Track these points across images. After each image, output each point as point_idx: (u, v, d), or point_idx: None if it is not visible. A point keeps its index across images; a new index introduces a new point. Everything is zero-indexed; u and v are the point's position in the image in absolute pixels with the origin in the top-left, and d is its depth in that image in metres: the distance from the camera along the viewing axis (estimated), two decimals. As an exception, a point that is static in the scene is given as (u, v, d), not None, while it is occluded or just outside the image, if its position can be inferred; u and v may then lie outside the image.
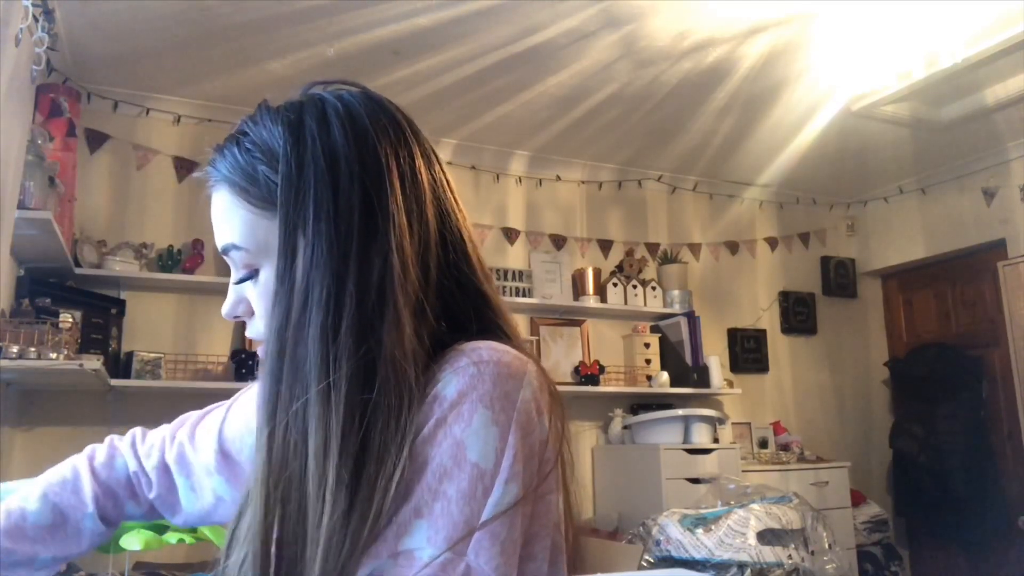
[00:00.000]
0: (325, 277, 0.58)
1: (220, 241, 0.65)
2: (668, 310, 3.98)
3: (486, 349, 0.59)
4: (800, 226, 4.63)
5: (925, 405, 4.26)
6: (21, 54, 2.21)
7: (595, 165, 4.07)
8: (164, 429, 0.88)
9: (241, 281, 0.65)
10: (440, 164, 0.69)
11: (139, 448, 0.87)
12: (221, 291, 3.33)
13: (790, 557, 3.12)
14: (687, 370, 3.87)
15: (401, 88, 3.18)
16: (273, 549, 0.56)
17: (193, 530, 1.10)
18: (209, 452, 0.83)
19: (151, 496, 0.85)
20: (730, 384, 4.02)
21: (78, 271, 2.85)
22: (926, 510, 4.21)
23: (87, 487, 0.81)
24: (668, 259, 4.16)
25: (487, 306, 0.67)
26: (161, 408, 3.05)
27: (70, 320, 2.63)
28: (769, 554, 2.88)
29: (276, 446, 0.57)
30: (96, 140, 3.10)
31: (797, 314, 4.54)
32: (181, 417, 0.89)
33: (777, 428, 4.25)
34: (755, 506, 2.99)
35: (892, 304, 4.79)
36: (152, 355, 2.99)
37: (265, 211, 0.62)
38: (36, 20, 2.28)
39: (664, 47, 2.90)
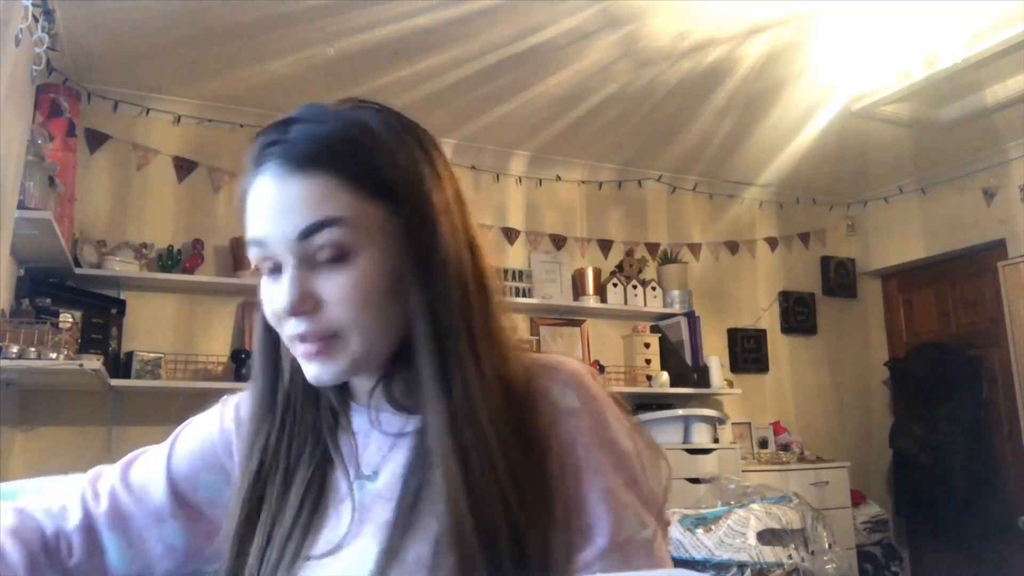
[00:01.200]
0: (446, 255, 0.64)
1: (308, 219, 0.62)
2: (668, 310, 3.98)
3: (562, 361, 0.68)
4: (800, 226, 4.63)
5: (925, 405, 4.26)
6: (21, 54, 2.21)
7: (595, 165, 4.07)
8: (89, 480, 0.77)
9: (316, 267, 0.63)
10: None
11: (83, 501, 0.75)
12: (221, 291, 3.33)
13: (790, 557, 3.12)
14: (687, 370, 3.87)
15: (401, 88, 3.18)
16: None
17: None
18: (157, 496, 0.74)
19: (70, 564, 0.71)
20: (730, 384, 4.02)
21: (78, 271, 2.85)
22: (926, 510, 4.21)
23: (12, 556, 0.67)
24: (668, 259, 4.16)
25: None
26: (161, 408, 3.05)
27: (70, 320, 2.63)
28: (769, 554, 2.88)
29: (448, 419, 0.63)
30: (96, 140, 3.10)
31: (797, 314, 4.54)
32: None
33: (777, 428, 4.25)
34: (755, 506, 2.99)
35: (892, 304, 4.78)
36: (152, 355, 2.99)
37: (374, 200, 0.64)
38: (36, 20, 2.28)
39: (664, 47, 2.90)
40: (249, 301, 3.27)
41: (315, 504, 0.68)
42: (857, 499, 4.11)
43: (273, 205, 0.62)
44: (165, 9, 2.57)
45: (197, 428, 0.80)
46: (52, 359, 2.19)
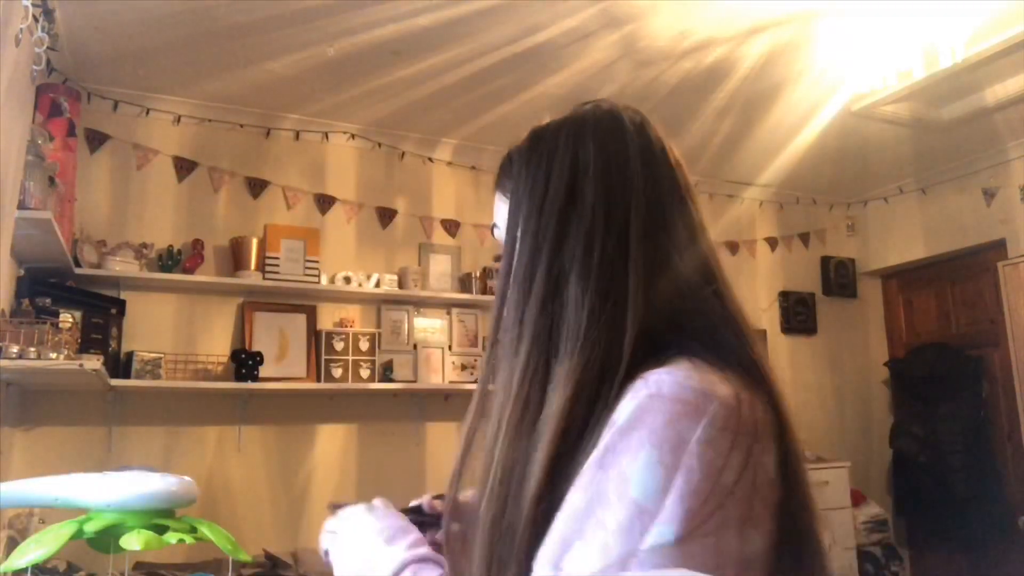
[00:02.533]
0: (528, 252, 0.68)
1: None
2: (668, 310, 3.98)
3: (668, 378, 0.59)
4: (800, 226, 4.63)
5: (925, 405, 4.26)
6: (21, 54, 2.21)
7: (595, 165, 4.06)
8: None
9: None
10: (675, 160, 0.77)
11: None
12: (221, 291, 3.34)
13: (790, 557, 3.12)
14: (687, 370, 3.86)
15: (401, 88, 3.18)
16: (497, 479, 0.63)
17: (193, 530, 1.10)
18: None
19: None
20: (730, 384, 4.01)
21: (78, 271, 2.84)
22: (926, 510, 4.21)
23: None
24: (668, 259, 4.15)
25: (698, 303, 0.68)
26: (161, 408, 3.06)
27: (70, 320, 2.63)
28: (769, 554, 2.88)
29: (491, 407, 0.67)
30: (96, 140, 3.10)
31: (797, 314, 4.54)
32: None
33: (777, 428, 4.25)
34: (755, 506, 2.99)
35: (892, 304, 4.79)
36: (152, 355, 2.99)
37: (507, 199, 0.74)
38: (36, 20, 2.28)
39: (664, 47, 2.90)
40: (249, 301, 3.27)
41: None
42: (857, 499, 4.11)
43: None
44: (165, 9, 2.57)
45: None
46: (52, 359, 2.19)
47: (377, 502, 0.84)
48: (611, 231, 0.67)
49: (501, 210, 0.75)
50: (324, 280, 3.35)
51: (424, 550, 0.73)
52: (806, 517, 0.63)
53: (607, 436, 0.58)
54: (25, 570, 1.06)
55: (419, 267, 3.61)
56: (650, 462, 0.55)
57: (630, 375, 0.61)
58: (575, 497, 0.57)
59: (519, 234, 0.70)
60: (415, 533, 0.77)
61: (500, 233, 0.75)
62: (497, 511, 0.62)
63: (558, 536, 0.57)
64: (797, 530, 0.62)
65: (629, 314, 0.64)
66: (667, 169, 0.75)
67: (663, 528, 0.54)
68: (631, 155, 0.72)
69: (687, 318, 0.66)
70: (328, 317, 3.43)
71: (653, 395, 0.58)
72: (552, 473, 0.60)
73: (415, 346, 3.56)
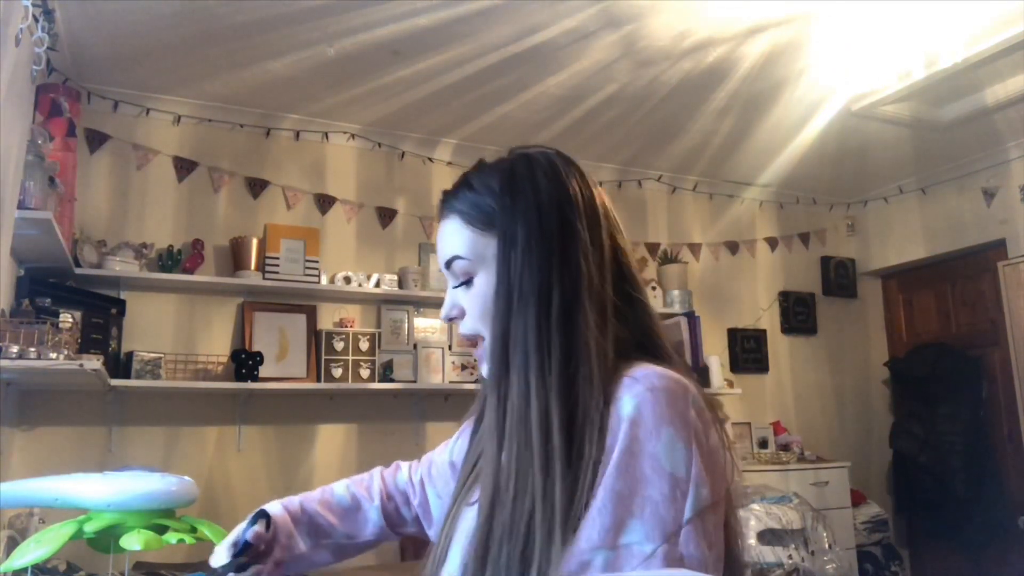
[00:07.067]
0: (534, 278, 0.75)
1: (445, 255, 0.83)
2: (668, 310, 3.98)
3: (655, 375, 0.71)
4: (800, 226, 4.63)
5: (925, 405, 4.26)
6: (21, 54, 2.21)
7: (595, 165, 4.06)
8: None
9: (458, 287, 0.83)
10: (611, 210, 0.85)
11: (404, 470, 1.10)
12: (221, 291, 3.34)
13: (790, 557, 3.13)
14: (687, 370, 3.86)
15: (401, 88, 3.19)
16: (501, 485, 0.72)
17: (193, 530, 1.10)
18: (444, 466, 1.03)
19: (415, 503, 1.06)
20: (730, 384, 4.02)
21: (78, 271, 2.84)
22: (926, 510, 4.21)
23: (376, 487, 1.07)
24: (668, 259, 4.16)
25: (651, 322, 0.81)
26: (161, 408, 3.05)
27: (70, 320, 2.63)
28: (769, 554, 2.88)
29: (510, 404, 0.74)
30: (96, 140, 3.10)
31: (797, 314, 4.54)
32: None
33: (777, 428, 4.25)
34: (755, 506, 2.99)
35: (892, 304, 4.79)
36: (152, 355, 2.99)
37: (485, 232, 0.80)
38: (36, 20, 2.28)
39: (664, 47, 2.90)
40: (249, 301, 3.27)
41: (478, 470, 0.84)
42: (857, 499, 4.11)
43: (439, 238, 0.85)
44: (165, 9, 2.57)
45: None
46: (52, 359, 2.19)
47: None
48: (600, 258, 0.78)
49: (472, 241, 0.80)
50: (324, 280, 3.35)
51: None
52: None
53: (624, 429, 0.67)
54: (25, 570, 1.06)
55: (419, 267, 3.61)
56: (672, 439, 0.67)
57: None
58: (614, 483, 0.65)
59: (520, 262, 0.76)
60: None
61: (467, 264, 0.81)
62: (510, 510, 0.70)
63: (608, 519, 0.64)
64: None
65: (610, 330, 0.76)
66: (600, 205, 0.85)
67: (698, 490, 0.66)
68: (594, 194, 0.84)
69: (641, 331, 0.80)
70: (328, 317, 3.43)
71: (650, 389, 0.69)
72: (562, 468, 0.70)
73: (415, 346, 3.56)
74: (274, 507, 1.00)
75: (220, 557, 0.91)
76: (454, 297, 0.83)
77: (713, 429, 0.72)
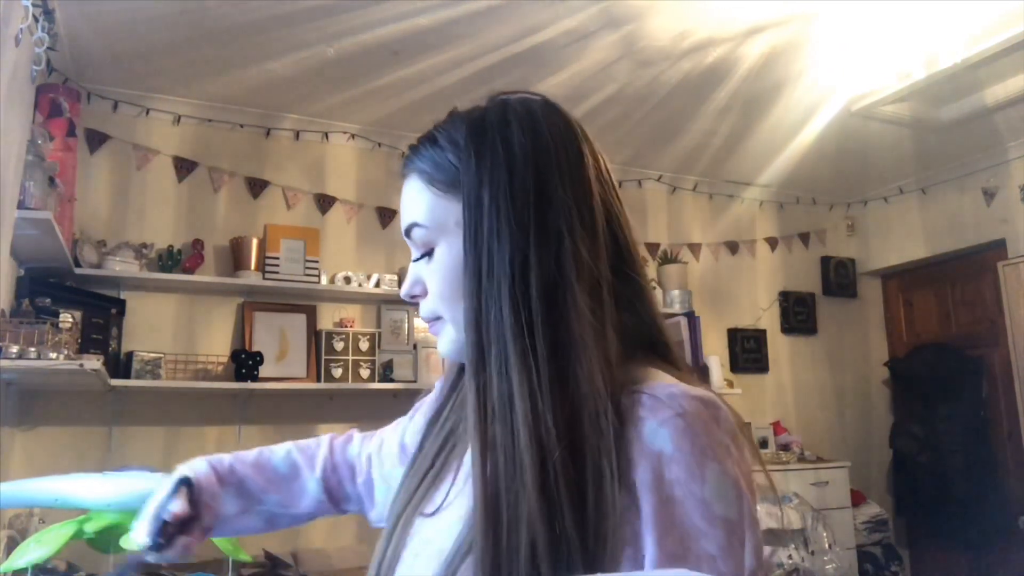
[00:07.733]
0: (504, 250, 0.62)
1: (405, 221, 0.71)
2: (668, 310, 3.98)
3: (681, 395, 0.59)
4: (800, 226, 4.63)
5: (925, 405, 4.26)
6: (21, 54, 2.20)
7: (595, 165, 4.06)
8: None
9: (418, 260, 0.71)
10: (608, 171, 0.72)
11: (356, 442, 0.98)
12: (221, 291, 3.33)
13: (790, 557, 3.12)
14: (687, 370, 3.86)
15: (401, 88, 3.18)
16: (491, 492, 0.59)
17: (193, 530, 1.10)
18: (394, 447, 0.92)
19: (360, 480, 0.95)
20: (730, 384, 4.02)
21: (78, 271, 2.84)
22: (926, 510, 4.21)
23: (321, 456, 0.95)
24: (668, 259, 4.16)
25: (650, 307, 0.69)
26: (161, 408, 3.05)
27: (70, 320, 2.63)
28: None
29: (489, 397, 0.61)
30: (96, 140, 3.10)
31: (797, 314, 4.54)
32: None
33: (777, 428, 4.25)
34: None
35: (892, 304, 4.79)
36: (152, 355, 2.99)
37: (447, 194, 0.68)
38: (36, 20, 2.28)
39: (664, 47, 2.90)
40: (249, 301, 3.27)
41: (437, 474, 0.75)
42: (857, 499, 4.11)
43: (401, 202, 0.73)
44: (165, 9, 2.57)
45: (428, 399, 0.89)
46: (52, 359, 2.19)
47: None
48: (592, 229, 0.65)
49: (433, 205, 0.68)
50: (324, 280, 3.35)
51: None
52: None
53: (657, 467, 0.56)
54: (25, 570, 1.06)
55: (419, 267, 3.61)
56: (719, 478, 0.56)
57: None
58: (662, 541, 0.55)
59: (487, 230, 0.63)
60: None
61: (426, 233, 0.69)
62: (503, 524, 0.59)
63: None
64: None
65: (608, 317, 0.63)
66: (598, 160, 0.73)
67: (753, 531, 0.57)
68: (583, 150, 0.71)
69: (646, 323, 0.68)
70: (328, 317, 3.43)
71: (682, 414, 0.57)
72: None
73: (415, 346, 3.56)
74: (200, 466, 0.91)
75: (141, 535, 0.83)
76: (416, 272, 0.71)
77: (746, 449, 0.61)
